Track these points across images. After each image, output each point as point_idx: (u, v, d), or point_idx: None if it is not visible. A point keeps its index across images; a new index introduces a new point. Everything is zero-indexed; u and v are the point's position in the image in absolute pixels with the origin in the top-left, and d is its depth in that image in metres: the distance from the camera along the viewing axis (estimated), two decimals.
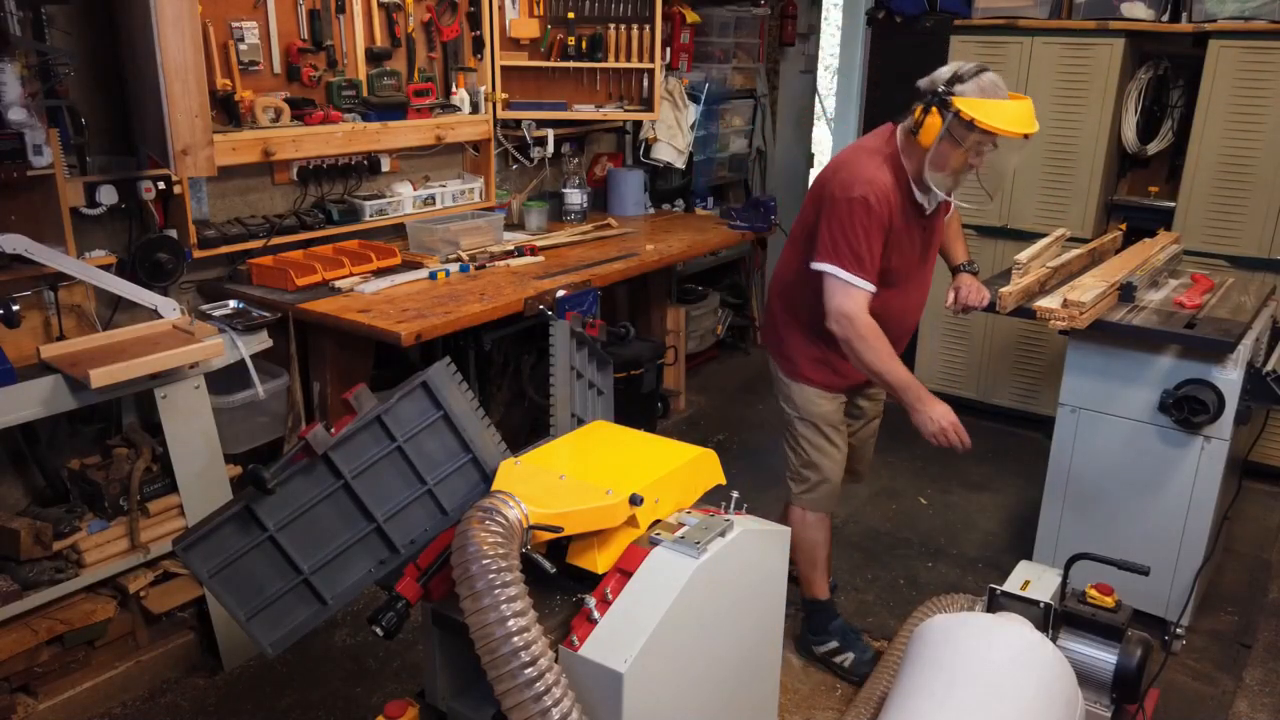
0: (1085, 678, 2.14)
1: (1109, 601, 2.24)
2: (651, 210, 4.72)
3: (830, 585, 2.93)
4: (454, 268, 3.35)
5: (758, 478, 4.00)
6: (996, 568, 3.36)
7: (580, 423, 2.10)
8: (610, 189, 4.58)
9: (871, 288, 2.40)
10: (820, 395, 2.68)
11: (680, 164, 4.76)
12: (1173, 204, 3.97)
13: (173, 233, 2.89)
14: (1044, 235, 3.34)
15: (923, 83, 2.39)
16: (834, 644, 2.84)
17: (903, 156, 2.44)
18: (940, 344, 4.62)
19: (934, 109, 2.32)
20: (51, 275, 2.57)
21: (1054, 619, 2.22)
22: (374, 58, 3.44)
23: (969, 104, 2.29)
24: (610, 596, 1.61)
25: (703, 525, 1.73)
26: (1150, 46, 4.08)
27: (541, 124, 4.06)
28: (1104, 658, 2.18)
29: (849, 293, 2.38)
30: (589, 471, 1.77)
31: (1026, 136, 2.32)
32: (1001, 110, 2.30)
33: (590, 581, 1.67)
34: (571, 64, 4.03)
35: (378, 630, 1.62)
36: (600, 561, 1.67)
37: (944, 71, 2.37)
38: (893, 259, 2.48)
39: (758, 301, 5.64)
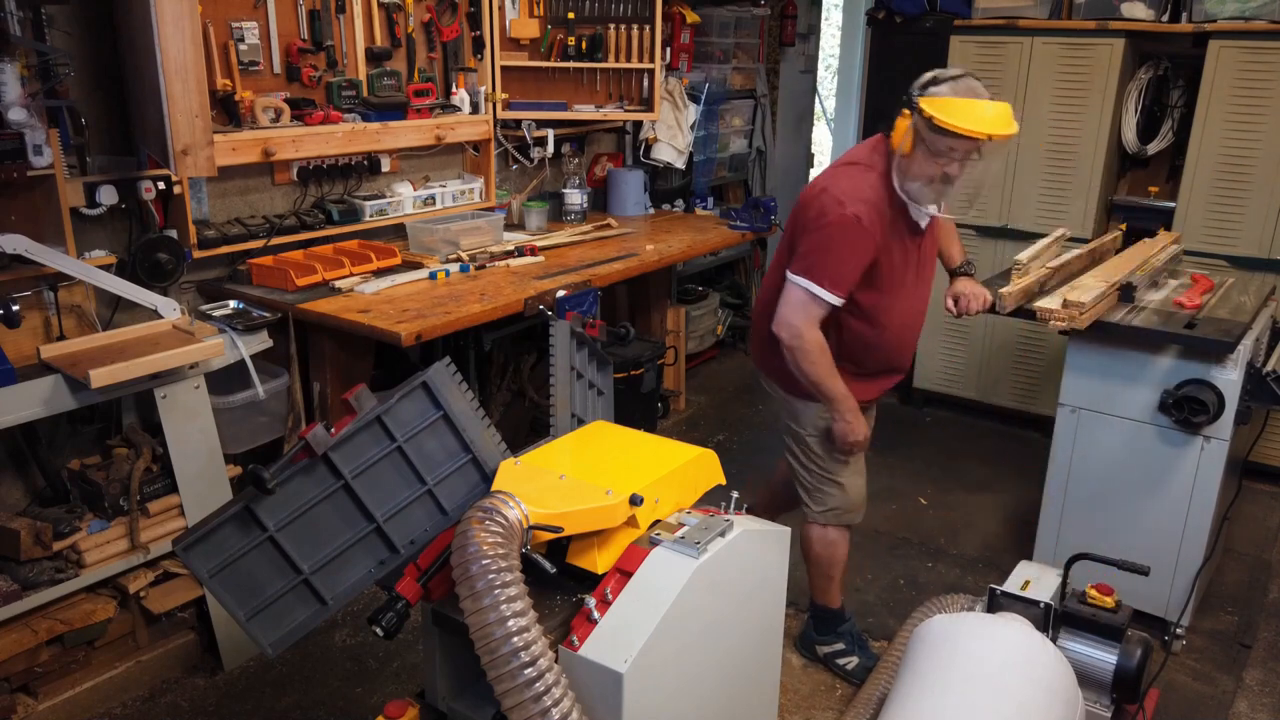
0: (1085, 678, 2.14)
1: (1109, 602, 2.24)
2: (651, 210, 4.72)
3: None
4: (454, 268, 3.35)
5: (758, 478, 4.00)
6: (996, 568, 3.36)
7: (580, 423, 2.10)
8: (610, 189, 4.58)
9: (839, 302, 2.36)
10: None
11: (680, 164, 4.77)
12: (1173, 204, 3.97)
13: (173, 233, 2.89)
14: (1044, 235, 3.34)
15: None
16: (840, 646, 2.83)
17: (893, 168, 2.37)
18: (940, 344, 4.62)
19: (905, 111, 2.27)
20: (51, 275, 2.57)
21: (1054, 619, 2.22)
22: (374, 58, 3.44)
23: (934, 104, 2.22)
24: (610, 597, 1.61)
25: (703, 525, 1.73)
26: (1150, 46, 4.08)
27: (541, 124, 4.06)
28: (1104, 658, 2.18)
29: (810, 309, 2.36)
30: (589, 471, 1.78)
31: (991, 138, 2.23)
32: (966, 110, 2.22)
33: (590, 581, 1.67)
34: (571, 64, 4.03)
35: (378, 630, 1.62)
36: (600, 561, 1.67)
37: (925, 75, 2.32)
38: (885, 275, 2.42)
39: None
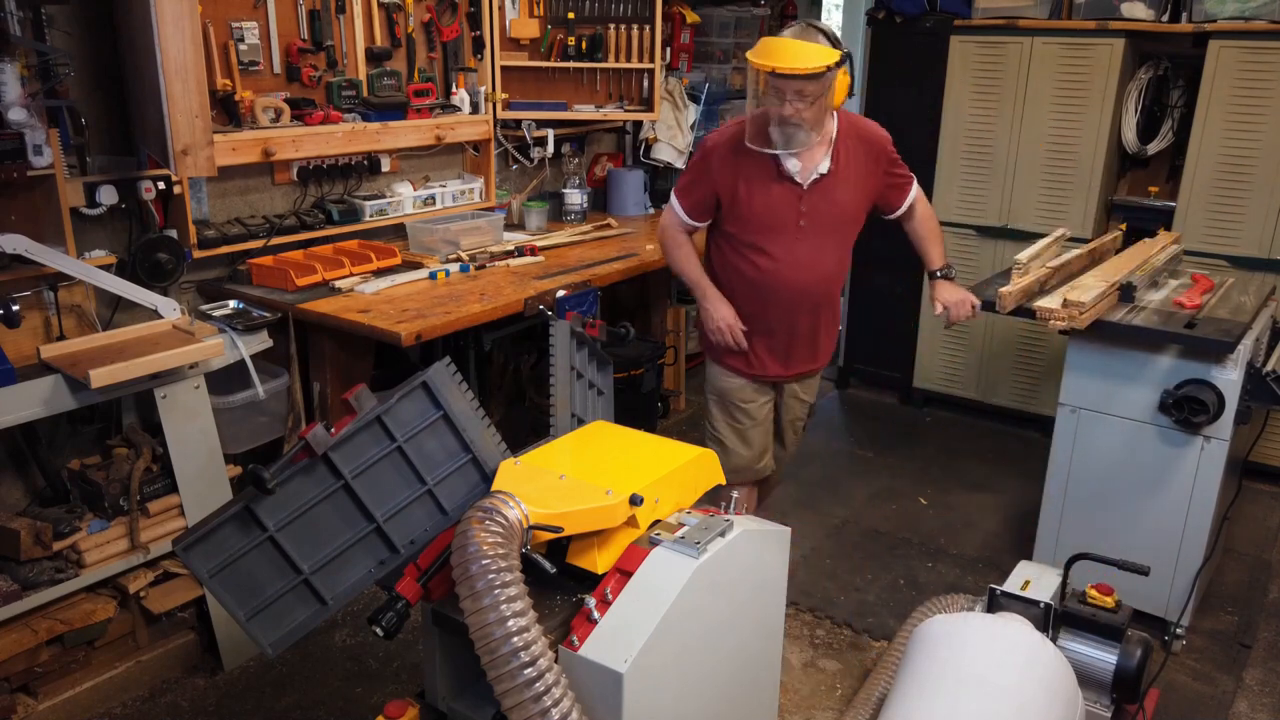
0: (1085, 678, 2.14)
1: (1109, 601, 2.24)
2: (651, 210, 4.72)
3: None
4: (454, 268, 3.35)
5: None
6: (996, 568, 3.36)
7: (580, 423, 2.09)
8: (610, 189, 4.59)
9: (683, 215, 2.70)
10: (725, 374, 2.82)
11: (680, 164, 4.76)
12: (1173, 204, 3.97)
13: (173, 233, 2.89)
14: (1044, 235, 3.34)
15: None
16: None
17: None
18: (940, 344, 4.62)
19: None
20: (51, 275, 2.57)
21: (1054, 619, 2.22)
22: (374, 58, 3.44)
23: (754, 49, 2.42)
24: (610, 597, 1.61)
25: (703, 525, 1.73)
26: (1150, 46, 4.08)
27: (541, 124, 4.06)
28: (1104, 658, 2.18)
29: (670, 216, 2.75)
30: (589, 471, 1.77)
31: (775, 70, 2.35)
32: (764, 46, 2.40)
33: (590, 581, 1.67)
34: (571, 64, 4.03)
35: (378, 630, 1.62)
36: (600, 561, 1.67)
37: None
38: (748, 211, 2.60)
39: None
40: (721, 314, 2.69)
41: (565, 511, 1.62)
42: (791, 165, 2.55)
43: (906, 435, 4.50)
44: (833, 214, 2.64)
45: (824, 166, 2.57)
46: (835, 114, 2.58)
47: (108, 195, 2.69)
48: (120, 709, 2.63)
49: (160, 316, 2.69)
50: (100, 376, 2.30)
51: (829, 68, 2.37)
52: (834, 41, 2.42)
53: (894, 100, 4.51)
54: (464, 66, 3.79)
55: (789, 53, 2.35)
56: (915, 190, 2.80)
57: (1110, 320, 2.73)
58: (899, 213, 2.81)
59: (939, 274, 2.83)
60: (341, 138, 3.28)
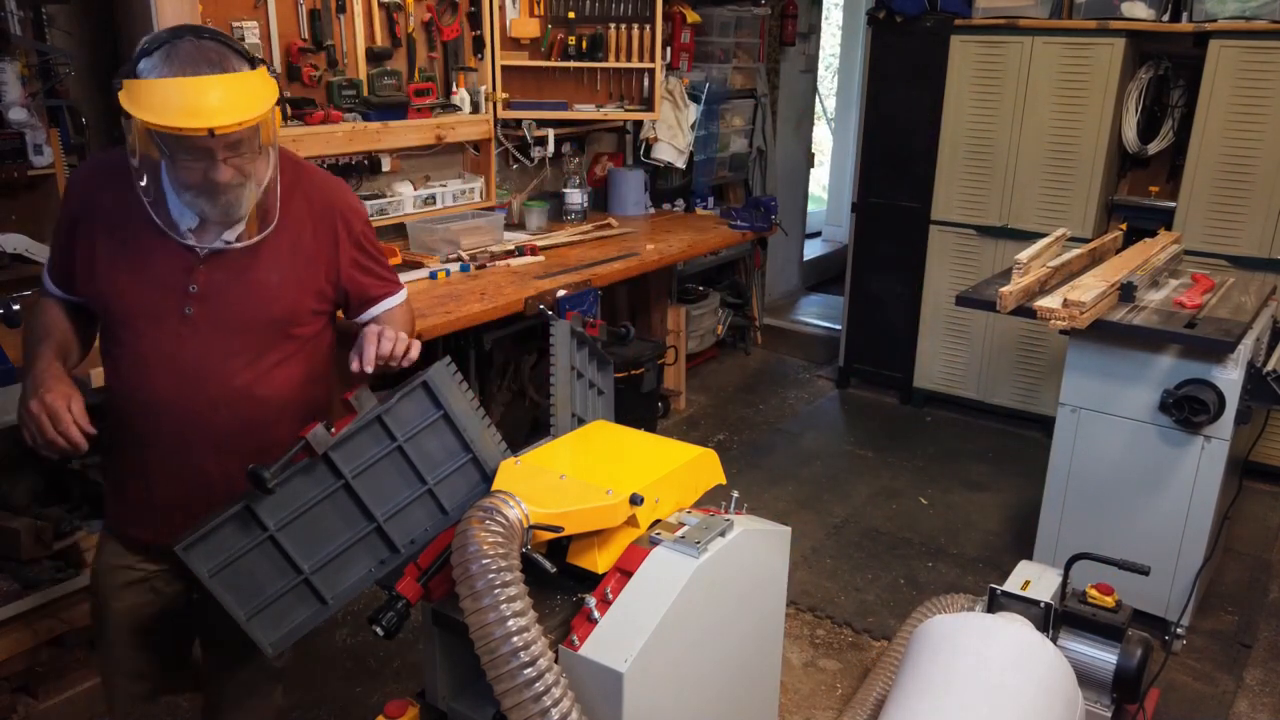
0: (1085, 678, 2.14)
1: (1109, 601, 2.24)
2: (652, 210, 4.73)
3: None
4: (454, 267, 3.35)
5: (758, 477, 4.00)
6: (996, 568, 3.36)
7: (580, 422, 2.09)
8: (610, 189, 4.59)
9: (51, 286, 1.83)
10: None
11: (680, 164, 4.77)
12: (1173, 204, 3.97)
13: None
14: (1044, 235, 3.34)
15: None
16: None
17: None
18: (940, 344, 4.62)
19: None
20: None
21: (1054, 619, 2.22)
22: (374, 57, 3.44)
23: (130, 89, 1.54)
24: (610, 596, 1.61)
25: (703, 525, 1.73)
26: (1151, 46, 4.08)
27: (542, 124, 4.06)
28: (1104, 658, 2.18)
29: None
30: (589, 471, 1.77)
31: (211, 133, 1.53)
32: (158, 92, 1.53)
33: (590, 581, 1.67)
34: (572, 64, 4.03)
35: (378, 630, 1.62)
36: (600, 561, 1.67)
37: (141, 41, 1.61)
38: (110, 287, 1.73)
39: (758, 301, 5.64)
40: (49, 390, 1.69)
41: (565, 511, 1.62)
42: (195, 225, 1.72)
43: (907, 435, 4.50)
44: (248, 304, 1.76)
45: (242, 228, 1.73)
46: (271, 152, 1.71)
47: None
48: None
49: None
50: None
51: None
52: (246, 55, 1.66)
53: (894, 100, 4.51)
54: (464, 66, 3.78)
55: (213, 101, 1.55)
56: (403, 295, 2.01)
57: (1111, 320, 2.73)
58: (371, 314, 1.96)
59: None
60: (342, 137, 3.28)
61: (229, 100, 1.56)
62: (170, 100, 1.53)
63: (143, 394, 1.78)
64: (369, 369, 1.74)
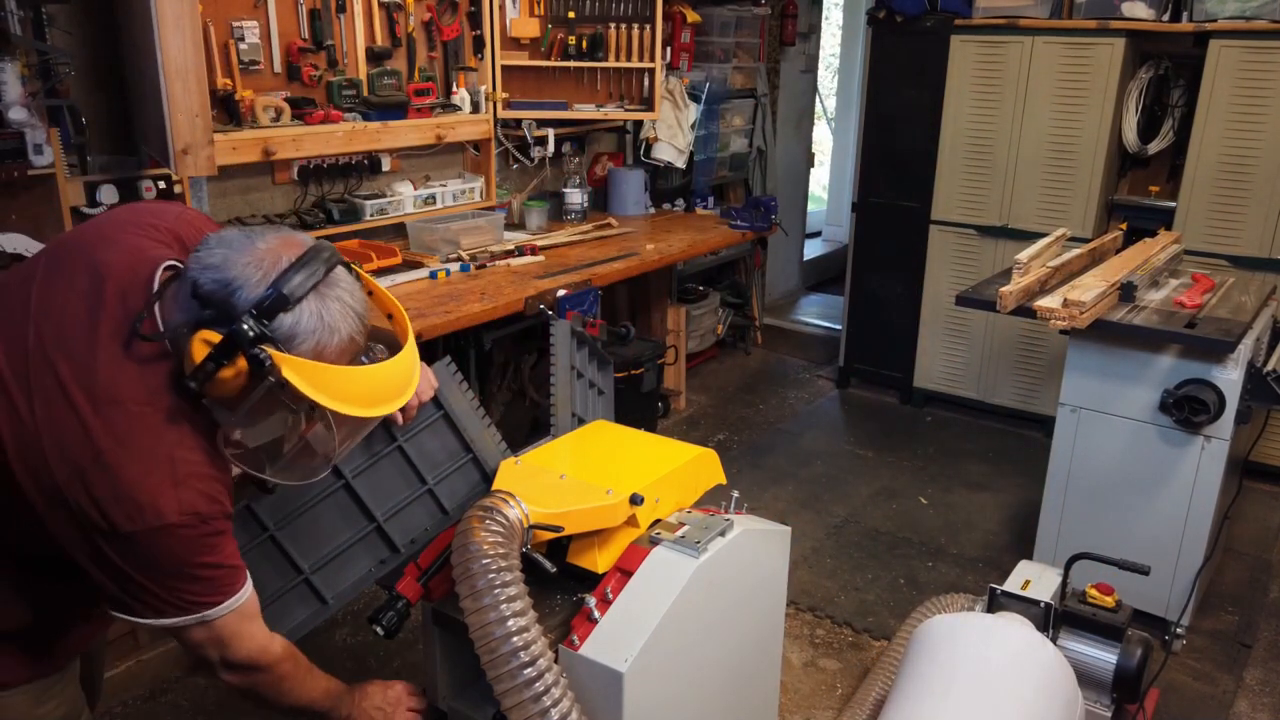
0: (1085, 678, 2.14)
1: (1109, 601, 2.24)
2: (652, 210, 4.73)
3: None
4: (454, 267, 3.35)
5: (758, 477, 4.00)
6: (996, 568, 3.36)
7: (580, 422, 2.10)
8: (611, 189, 4.59)
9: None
10: None
11: (681, 164, 4.77)
12: (1173, 204, 3.97)
13: None
14: (1044, 235, 3.34)
15: (208, 286, 1.25)
16: None
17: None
18: (940, 344, 4.62)
19: (241, 358, 1.22)
20: None
21: (1054, 619, 2.22)
22: (374, 57, 3.43)
23: (299, 368, 1.25)
24: (610, 596, 1.61)
25: (703, 525, 1.73)
26: (1151, 46, 4.08)
27: (542, 123, 4.06)
28: (1104, 658, 2.18)
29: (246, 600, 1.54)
30: (589, 471, 1.78)
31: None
32: (352, 381, 1.31)
33: (590, 581, 1.67)
34: (572, 64, 4.03)
35: (378, 630, 1.62)
36: (600, 561, 1.67)
37: (248, 278, 1.25)
38: None
39: (758, 301, 5.64)
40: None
41: (566, 511, 1.62)
42: None
43: (907, 435, 4.50)
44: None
45: None
46: None
47: (108, 194, 2.68)
48: (120, 709, 2.63)
49: None
50: None
51: None
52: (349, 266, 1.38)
53: (894, 100, 4.51)
54: (464, 66, 3.78)
55: (406, 378, 1.42)
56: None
57: (1111, 320, 2.73)
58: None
59: None
60: (342, 137, 3.27)
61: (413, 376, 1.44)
62: (378, 390, 1.35)
63: None
64: None
